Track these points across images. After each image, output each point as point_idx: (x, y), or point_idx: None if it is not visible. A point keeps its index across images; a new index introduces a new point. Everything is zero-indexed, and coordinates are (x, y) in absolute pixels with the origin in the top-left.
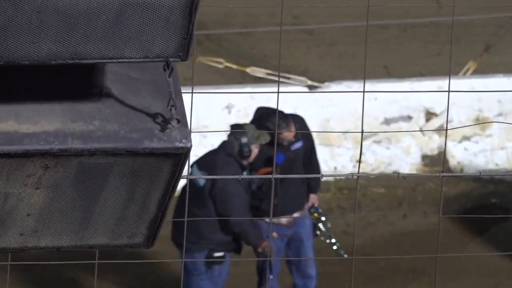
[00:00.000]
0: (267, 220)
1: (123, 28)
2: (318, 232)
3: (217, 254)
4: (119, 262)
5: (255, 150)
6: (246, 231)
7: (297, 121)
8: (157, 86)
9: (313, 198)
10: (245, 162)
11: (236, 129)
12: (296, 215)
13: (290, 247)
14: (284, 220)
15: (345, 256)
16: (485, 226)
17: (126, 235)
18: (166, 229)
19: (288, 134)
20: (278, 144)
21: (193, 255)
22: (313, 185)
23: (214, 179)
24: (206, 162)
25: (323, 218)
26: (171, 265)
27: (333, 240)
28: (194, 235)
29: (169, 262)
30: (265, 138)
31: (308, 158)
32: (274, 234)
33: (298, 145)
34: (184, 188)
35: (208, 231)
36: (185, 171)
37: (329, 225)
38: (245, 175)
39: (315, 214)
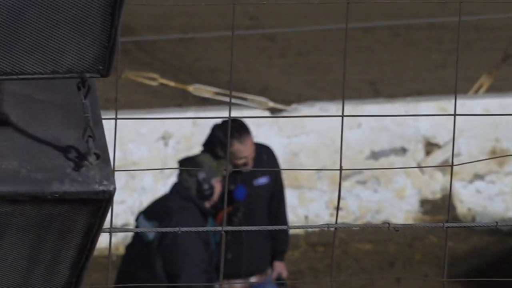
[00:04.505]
0: (217, 286)
1: (23, 35)
2: None
3: None
4: None
5: (217, 186)
6: None
7: (264, 151)
8: (69, 110)
9: (280, 267)
10: (207, 204)
11: (188, 164)
12: (253, 279)
13: None
14: (238, 285)
15: None
16: None
17: None
18: None
19: (244, 151)
20: (236, 172)
21: None
22: (280, 247)
23: (164, 230)
24: (157, 209)
25: None
26: None
27: None
28: None
29: None
30: (226, 166)
31: (275, 206)
32: None
33: (263, 180)
34: (129, 246)
35: None
36: (120, 222)
37: None
38: (210, 222)
39: None
